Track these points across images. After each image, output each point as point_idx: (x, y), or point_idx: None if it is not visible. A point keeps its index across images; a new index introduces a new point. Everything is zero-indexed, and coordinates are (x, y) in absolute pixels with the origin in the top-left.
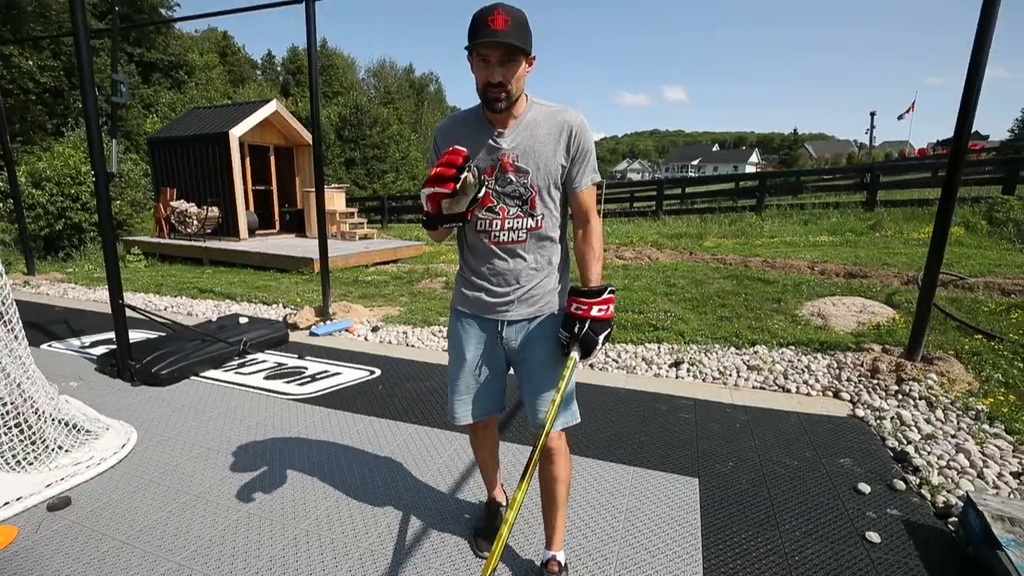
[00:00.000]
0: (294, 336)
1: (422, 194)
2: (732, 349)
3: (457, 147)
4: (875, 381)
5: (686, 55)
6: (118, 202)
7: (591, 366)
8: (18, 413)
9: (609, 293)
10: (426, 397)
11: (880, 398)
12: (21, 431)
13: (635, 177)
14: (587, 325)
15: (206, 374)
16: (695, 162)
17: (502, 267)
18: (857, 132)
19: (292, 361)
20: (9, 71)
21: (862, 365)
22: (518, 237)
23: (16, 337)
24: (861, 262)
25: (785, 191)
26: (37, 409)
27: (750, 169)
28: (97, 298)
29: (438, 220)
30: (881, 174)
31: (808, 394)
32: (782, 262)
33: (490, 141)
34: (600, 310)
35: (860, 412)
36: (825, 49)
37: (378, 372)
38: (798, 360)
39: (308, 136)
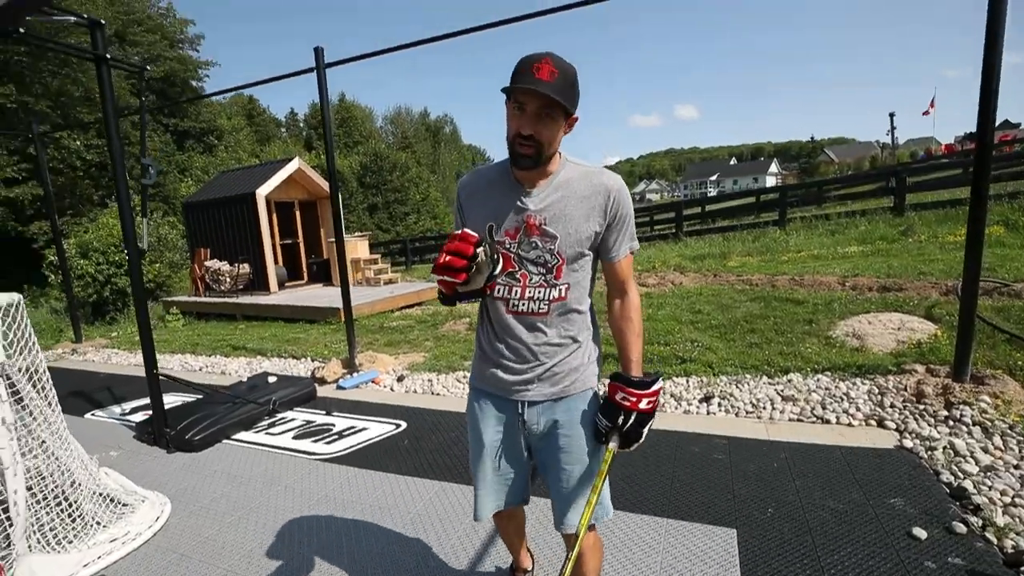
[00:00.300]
0: (322, 390)
1: (434, 277)
2: (764, 379)
3: (467, 232)
4: (922, 406)
5: (695, 72)
6: (158, 265)
7: None
8: (59, 490)
9: (659, 384)
10: (449, 450)
11: (929, 425)
12: (61, 509)
13: (654, 198)
14: (632, 418)
15: (238, 437)
16: (713, 177)
17: (520, 341)
18: (877, 133)
19: (320, 418)
20: (59, 152)
21: (906, 389)
22: (539, 308)
23: (54, 410)
24: (895, 273)
25: (808, 202)
26: (76, 483)
27: (770, 180)
28: (138, 362)
29: (455, 298)
30: (907, 176)
31: (849, 424)
32: (811, 279)
33: (517, 201)
34: (649, 403)
35: (908, 443)
36: (834, 52)
37: (403, 425)
38: (835, 387)
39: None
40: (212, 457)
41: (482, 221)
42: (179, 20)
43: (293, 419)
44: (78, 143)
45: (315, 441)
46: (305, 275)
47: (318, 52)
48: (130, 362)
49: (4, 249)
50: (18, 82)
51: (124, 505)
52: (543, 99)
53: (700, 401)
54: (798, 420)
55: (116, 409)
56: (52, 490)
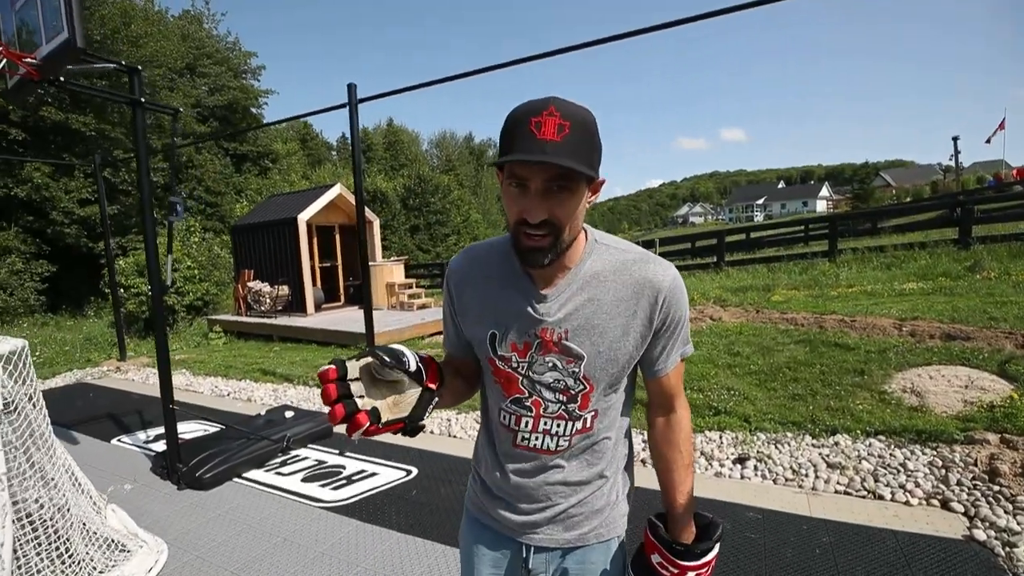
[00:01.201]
0: (340, 427)
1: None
2: (808, 439)
3: (327, 370)
4: (996, 488)
5: (743, 96)
6: (205, 284)
7: (642, 461)
8: (55, 534)
9: (715, 551)
10: (458, 507)
11: (1006, 513)
12: (59, 554)
13: (697, 220)
14: None
15: (248, 475)
16: (760, 201)
17: (529, 478)
18: (939, 155)
19: (332, 458)
20: (130, 175)
21: (976, 464)
22: (557, 445)
23: (52, 456)
24: (961, 317)
25: (860, 233)
26: (75, 524)
27: (821, 204)
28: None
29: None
30: (974, 204)
31: (907, 503)
32: (863, 320)
33: (527, 307)
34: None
35: (980, 533)
36: (891, 72)
37: (414, 472)
38: (890, 455)
39: (369, 214)
40: (219, 498)
41: (481, 327)
42: (243, 53)
43: (306, 457)
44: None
45: (323, 485)
46: (343, 297)
47: (351, 88)
48: None
49: (77, 263)
50: (98, 112)
51: (122, 549)
52: (553, 171)
53: (734, 462)
54: (845, 493)
55: (141, 436)
56: (48, 533)
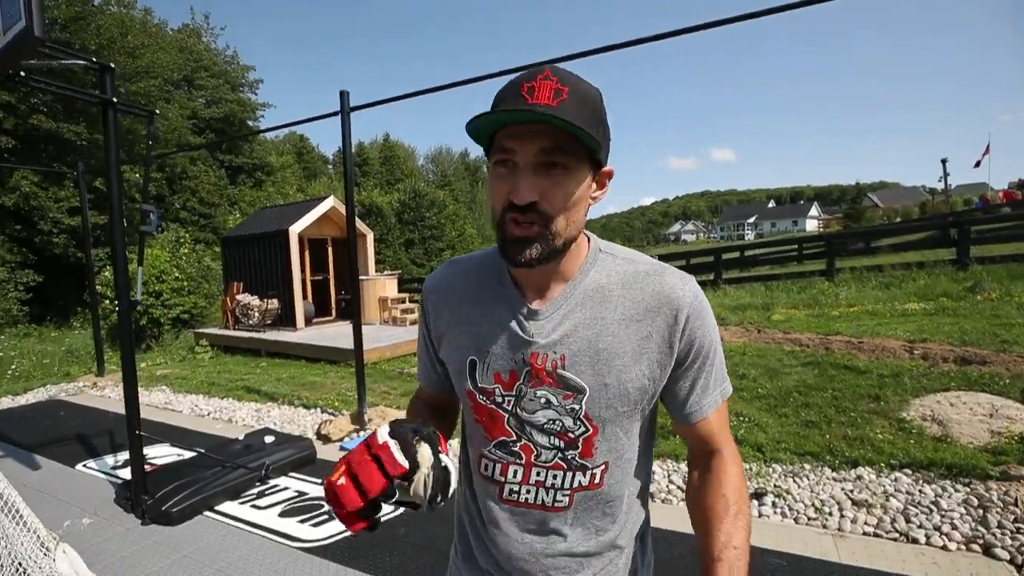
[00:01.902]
0: (324, 450)
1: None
2: (827, 471)
3: (388, 448)
4: None
5: (733, 117)
6: (193, 296)
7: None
8: None
9: None
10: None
11: None
12: None
13: (689, 238)
14: None
15: (221, 508)
16: (751, 220)
17: (523, 547)
18: (924, 177)
19: (314, 489)
20: (118, 183)
21: (1016, 504)
22: (555, 501)
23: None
24: (971, 340)
25: (855, 252)
26: (18, 569)
27: (811, 223)
28: (150, 402)
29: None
30: (970, 226)
31: (944, 547)
32: (870, 342)
33: (514, 324)
34: None
35: None
36: (880, 98)
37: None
38: (919, 492)
39: (363, 227)
40: (187, 534)
41: (459, 353)
42: (241, 66)
43: (286, 488)
44: (137, 175)
45: (303, 521)
46: (334, 311)
47: (343, 96)
48: (143, 401)
49: (65, 273)
50: (91, 122)
51: None
52: (545, 135)
53: (751, 498)
54: (875, 535)
55: (109, 460)
56: None
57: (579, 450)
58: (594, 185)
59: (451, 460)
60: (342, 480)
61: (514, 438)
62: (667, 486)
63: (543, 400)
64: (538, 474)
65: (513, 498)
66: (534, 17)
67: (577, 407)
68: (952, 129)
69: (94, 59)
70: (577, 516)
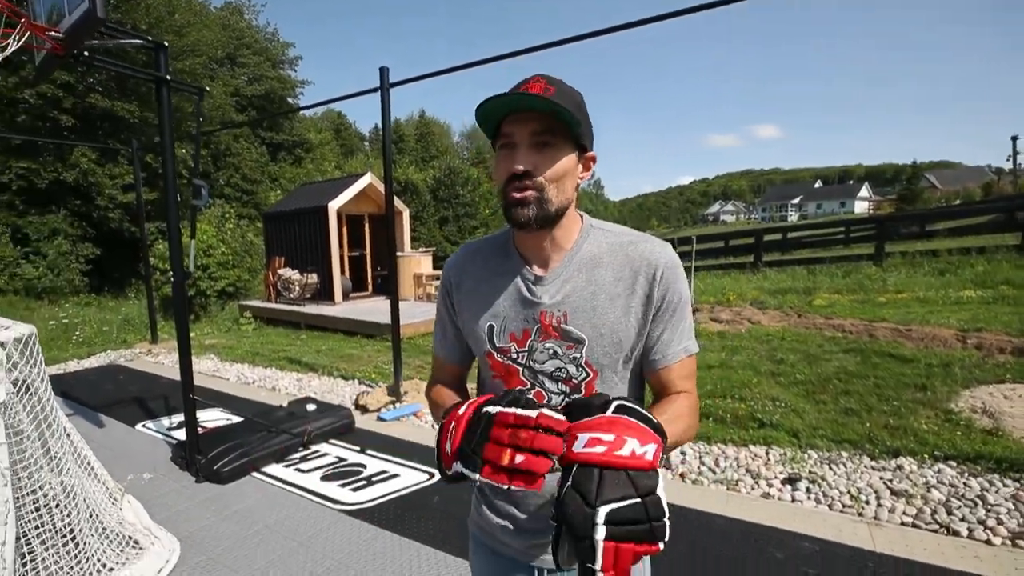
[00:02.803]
0: (362, 420)
1: (457, 467)
2: (866, 460)
3: (549, 416)
4: None
5: (775, 91)
6: (237, 270)
7: (681, 476)
8: (66, 528)
9: (639, 420)
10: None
11: None
12: (68, 549)
13: (729, 219)
14: (570, 479)
15: (267, 470)
16: (795, 201)
17: (533, 491)
18: (988, 157)
19: (353, 456)
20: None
21: None
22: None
23: (62, 444)
24: None
25: (908, 236)
26: (84, 515)
27: (860, 205)
28: (201, 369)
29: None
30: None
31: (988, 542)
32: (919, 330)
33: (523, 290)
34: (601, 445)
35: None
36: (938, 66)
37: (437, 476)
38: (964, 484)
39: (399, 204)
40: (237, 492)
41: (479, 321)
42: (282, 43)
43: (326, 453)
44: (184, 151)
45: (343, 485)
46: (370, 287)
47: (383, 72)
48: (195, 368)
49: (120, 246)
50: (142, 100)
51: (135, 544)
52: (536, 119)
53: (783, 482)
54: (913, 525)
55: (165, 422)
56: (57, 527)
57: (582, 394)
58: (580, 167)
59: None
60: (520, 458)
61: (528, 387)
62: (698, 467)
63: (551, 351)
64: (548, 419)
65: None
66: (542, 6)
67: (578, 355)
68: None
69: (149, 38)
70: None
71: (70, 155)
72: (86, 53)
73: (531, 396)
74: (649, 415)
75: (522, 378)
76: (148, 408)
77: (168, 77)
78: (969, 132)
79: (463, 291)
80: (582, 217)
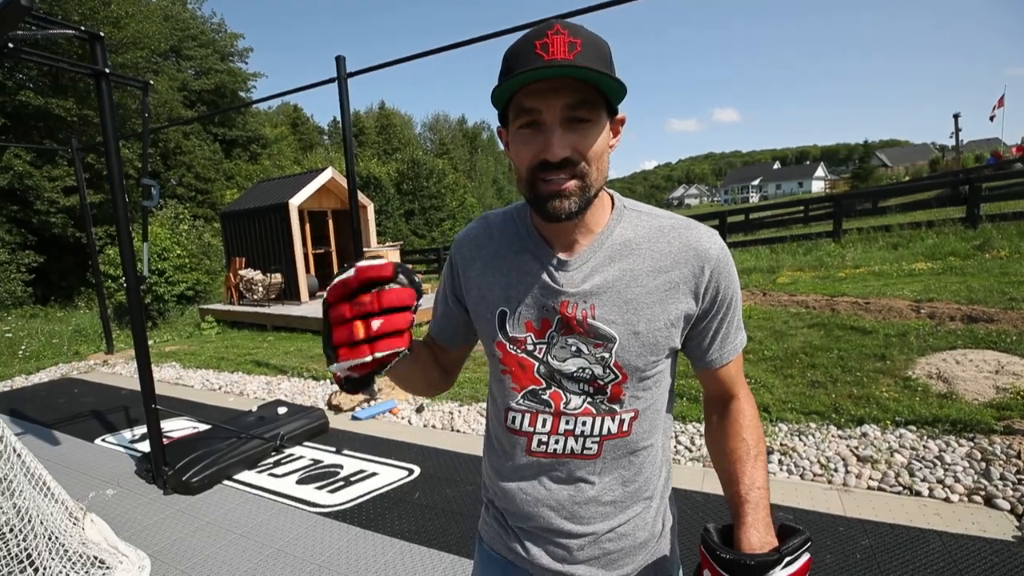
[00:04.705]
0: (336, 420)
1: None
2: (833, 430)
3: (366, 265)
4: None
5: (735, 75)
6: (195, 272)
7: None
8: (23, 552)
9: (802, 561)
10: (464, 510)
11: None
12: (27, 574)
13: (693, 203)
14: None
15: (239, 477)
16: (755, 182)
17: (548, 499)
18: (933, 134)
19: (329, 457)
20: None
21: (1019, 456)
22: (584, 449)
23: (21, 457)
24: (978, 298)
25: (862, 213)
26: (42, 538)
27: (817, 184)
28: (162, 377)
29: (366, 380)
30: (981, 183)
31: (947, 499)
32: (876, 302)
33: (544, 275)
34: None
35: None
36: (889, 49)
37: (417, 471)
38: (923, 447)
39: (363, 199)
40: (208, 502)
41: (488, 304)
42: (229, 35)
43: (301, 456)
44: (130, 152)
45: (320, 487)
46: None
47: (339, 61)
48: (156, 377)
49: (66, 253)
50: (80, 98)
51: (100, 564)
52: (569, 89)
53: None
54: (879, 489)
55: (127, 435)
56: (13, 552)
57: (607, 395)
58: (611, 135)
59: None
60: (377, 323)
61: (544, 386)
62: (675, 446)
63: (574, 348)
64: (567, 423)
65: (542, 450)
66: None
67: (607, 355)
68: (964, 84)
69: (82, 27)
70: (606, 465)
71: (1, 157)
72: (10, 45)
73: (547, 397)
74: (801, 548)
75: (536, 375)
76: (107, 421)
77: (107, 70)
78: (916, 111)
79: (475, 268)
80: (612, 196)
